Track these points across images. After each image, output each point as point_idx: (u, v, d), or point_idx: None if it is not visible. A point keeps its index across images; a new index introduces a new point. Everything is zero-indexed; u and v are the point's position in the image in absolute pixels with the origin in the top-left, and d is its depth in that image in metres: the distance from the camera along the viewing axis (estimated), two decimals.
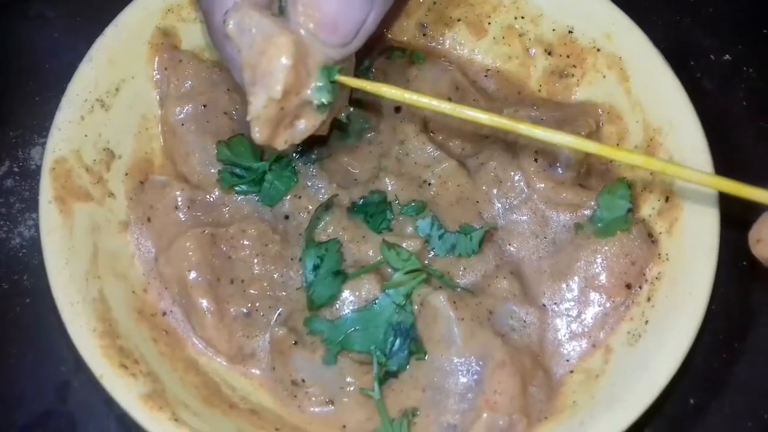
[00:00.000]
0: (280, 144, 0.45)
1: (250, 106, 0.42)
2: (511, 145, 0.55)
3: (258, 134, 0.43)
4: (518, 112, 0.56)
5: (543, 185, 0.53)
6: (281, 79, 0.41)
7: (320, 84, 0.43)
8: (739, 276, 0.57)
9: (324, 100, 0.44)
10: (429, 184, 0.55)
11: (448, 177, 0.55)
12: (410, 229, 0.53)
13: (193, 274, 0.52)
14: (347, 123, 0.55)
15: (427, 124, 0.57)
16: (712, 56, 0.65)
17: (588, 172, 0.56)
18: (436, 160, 0.55)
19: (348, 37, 0.43)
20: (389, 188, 0.54)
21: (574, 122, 0.55)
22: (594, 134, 0.56)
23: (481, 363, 0.48)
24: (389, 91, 0.43)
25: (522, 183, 0.54)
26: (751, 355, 0.56)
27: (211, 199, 0.55)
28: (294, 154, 0.55)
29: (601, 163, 0.57)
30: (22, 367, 0.55)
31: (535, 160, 0.53)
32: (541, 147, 0.54)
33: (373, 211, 0.53)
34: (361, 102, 0.56)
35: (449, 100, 0.57)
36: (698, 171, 0.42)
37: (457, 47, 0.62)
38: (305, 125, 0.45)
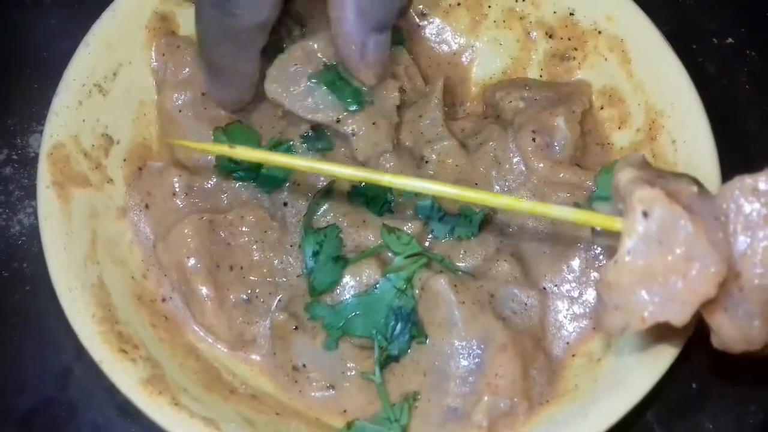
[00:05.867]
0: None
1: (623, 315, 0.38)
2: (508, 125, 0.55)
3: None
4: (510, 93, 0.56)
5: (542, 165, 0.53)
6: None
7: None
8: None
9: None
10: (427, 162, 0.54)
11: (447, 155, 0.54)
12: (410, 211, 0.53)
13: (192, 261, 0.52)
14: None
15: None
16: (714, 39, 0.65)
17: (584, 153, 0.56)
18: (438, 137, 0.54)
19: None
20: (387, 168, 0.53)
21: (567, 101, 0.54)
22: (587, 112, 0.55)
23: (482, 346, 0.48)
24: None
25: (521, 165, 0.53)
26: None
27: (209, 186, 0.55)
28: (292, 141, 0.54)
29: (597, 143, 0.56)
30: (23, 355, 0.55)
31: (533, 139, 0.53)
32: (538, 126, 0.53)
33: (374, 194, 0.52)
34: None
35: None
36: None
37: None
38: None
